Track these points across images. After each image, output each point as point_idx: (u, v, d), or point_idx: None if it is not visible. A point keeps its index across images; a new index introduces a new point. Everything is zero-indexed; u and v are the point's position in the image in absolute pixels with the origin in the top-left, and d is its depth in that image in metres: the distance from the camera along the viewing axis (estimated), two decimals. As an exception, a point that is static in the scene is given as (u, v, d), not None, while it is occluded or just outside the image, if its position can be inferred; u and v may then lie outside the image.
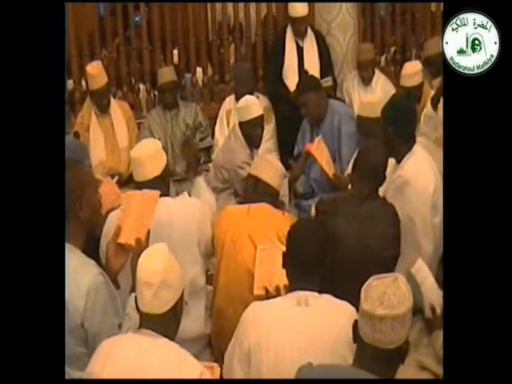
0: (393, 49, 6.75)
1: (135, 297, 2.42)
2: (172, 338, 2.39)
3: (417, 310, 2.91)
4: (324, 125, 4.95)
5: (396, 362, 2.25)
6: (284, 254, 2.79)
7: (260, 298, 3.06)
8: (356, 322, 2.25)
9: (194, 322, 3.41)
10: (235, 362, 2.69)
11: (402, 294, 2.18)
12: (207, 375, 2.35)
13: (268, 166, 3.84)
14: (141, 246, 2.74)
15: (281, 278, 2.98)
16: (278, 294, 3.01)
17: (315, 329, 2.58)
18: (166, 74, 5.49)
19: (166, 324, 2.37)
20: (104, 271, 2.64)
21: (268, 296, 3.04)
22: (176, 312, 2.40)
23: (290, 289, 2.74)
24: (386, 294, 2.16)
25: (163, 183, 3.45)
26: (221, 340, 3.46)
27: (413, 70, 5.31)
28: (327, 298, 2.69)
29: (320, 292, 2.70)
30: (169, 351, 2.33)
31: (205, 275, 3.55)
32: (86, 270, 2.56)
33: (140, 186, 3.42)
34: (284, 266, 2.79)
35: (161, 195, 3.37)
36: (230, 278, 3.51)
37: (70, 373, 2.51)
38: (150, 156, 3.41)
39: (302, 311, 2.62)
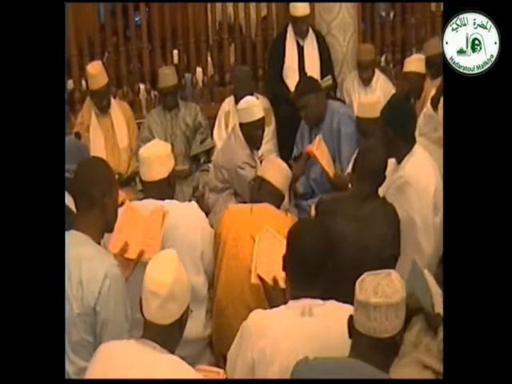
0: (393, 49, 6.76)
1: (140, 303, 2.37)
2: (174, 348, 2.37)
3: (417, 309, 2.91)
4: (323, 126, 4.95)
5: (390, 352, 2.27)
6: (284, 258, 2.73)
7: (256, 288, 3.05)
8: (351, 317, 2.28)
9: (194, 324, 3.39)
10: (237, 375, 2.63)
11: (395, 286, 2.23)
12: None
13: (273, 166, 3.88)
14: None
15: (279, 270, 2.96)
16: (275, 285, 2.98)
17: (320, 340, 2.50)
18: (168, 78, 5.46)
19: (169, 335, 2.35)
20: None
21: (266, 286, 3.01)
22: (181, 324, 2.38)
23: (292, 295, 2.65)
24: (380, 284, 2.22)
25: (169, 186, 3.47)
26: (221, 339, 3.46)
27: (416, 57, 5.43)
28: (331, 305, 2.61)
29: (322, 294, 2.64)
30: (173, 368, 2.30)
31: (207, 286, 3.53)
32: (103, 258, 2.60)
33: (146, 185, 3.44)
34: (284, 269, 2.73)
35: (166, 198, 3.39)
36: (231, 277, 3.52)
37: (75, 361, 2.54)
38: (159, 157, 3.42)
39: (306, 322, 2.54)
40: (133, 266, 2.88)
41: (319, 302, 2.58)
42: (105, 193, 2.64)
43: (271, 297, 3.03)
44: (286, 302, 2.67)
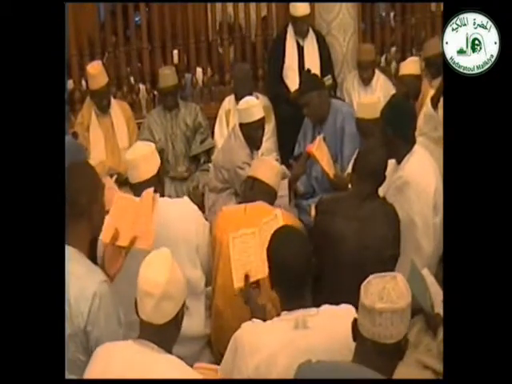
0: (393, 49, 6.76)
1: (135, 303, 2.37)
2: (171, 347, 2.37)
3: (417, 309, 2.92)
4: (326, 124, 4.94)
5: (395, 357, 2.25)
6: (269, 275, 2.66)
7: (241, 291, 3.00)
8: (355, 320, 2.25)
9: (194, 321, 3.39)
10: None
11: (401, 290, 2.20)
12: None
13: (263, 164, 3.89)
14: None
15: (258, 267, 2.93)
16: (257, 285, 2.94)
17: (316, 354, 2.41)
18: (168, 78, 5.47)
19: (166, 334, 2.35)
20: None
21: (247, 288, 2.97)
22: (177, 322, 2.37)
23: (283, 307, 2.59)
24: (386, 289, 2.18)
25: (159, 183, 3.46)
26: (220, 340, 3.45)
27: (411, 59, 5.45)
28: (325, 313, 2.54)
29: (315, 296, 2.59)
30: (171, 368, 2.29)
31: (205, 279, 3.53)
32: (92, 276, 2.53)
33: (136, 187, 3.42)
34: (271, 284, 2.66)
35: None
36: (228, 278, 3.50)
37: (69, 377, 2.49)
38: (145, 157, 3.41)
39: (300, 335, 2.47)
40: (125, 255, 2.79)
41: (313, 311, 2.52)
42: (91, 200, 2.58)
43: (248, 297, 2.97)
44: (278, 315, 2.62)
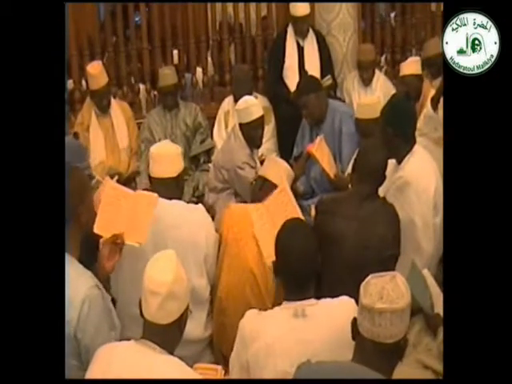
0: (392, 49, 6.76)
1: (139, 303, 2.37)
2: (173, 349, 2.37)
3: (417, 309, 2.92)
4: (324, 125, 4.94)
5: (394, 357, 2.26)
6: (274, 263, 2.71)
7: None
8: (354, 319, 2.26)
9: (195, 326, 3.39)
10: (235, 370, 2.66)
11: (400, 290, 2.21)
12: None
13: (275, 165, 3.92)
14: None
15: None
16: None
17: (313, 343, 2.50)
18: (168, 77, 5.47)
19: (169, 335, 2.35)
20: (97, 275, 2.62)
21: None
22: (181, 324, 2.38)
23: (285, 298, 2.64)
24: (385, 289, 2.20)
25: (177, 187, 3.47)
26: (222, 338, 3.46)
27: (412, 59, 5.43)
28: (324, 303, 2.60)
29: (317, 292, 2.63)
30: (172, 369, 2.30)
31: (209, 288, 3.53)
32: (81, 282, 2.48)
33: (154, 181, 3.46)
34: (276, 274, 2.72)
35: (173, 198, 3.40)
36: (232, 277, 3.51)
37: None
38: (169, 156, 3.44)
39: (299, 324, 2.53)
40: (120, 254, 2.80)
41: (312, 301, 2.58)
42: (78, 202, 2.53)
43: None
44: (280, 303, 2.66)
